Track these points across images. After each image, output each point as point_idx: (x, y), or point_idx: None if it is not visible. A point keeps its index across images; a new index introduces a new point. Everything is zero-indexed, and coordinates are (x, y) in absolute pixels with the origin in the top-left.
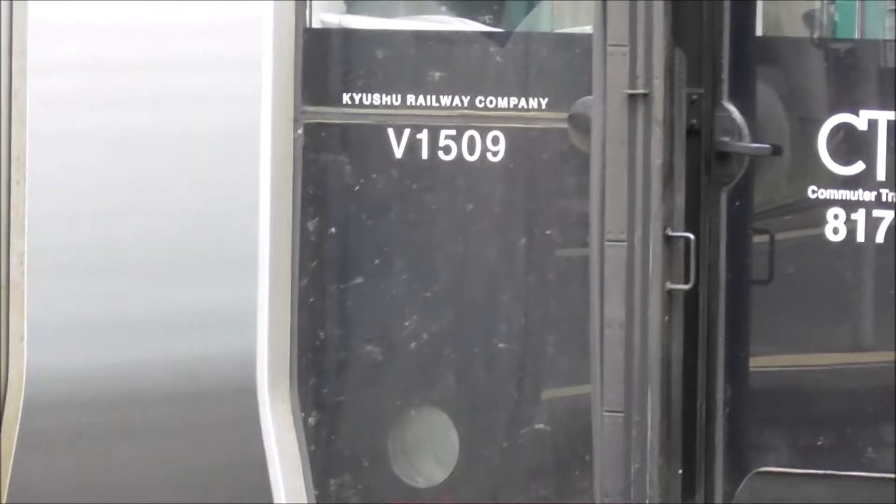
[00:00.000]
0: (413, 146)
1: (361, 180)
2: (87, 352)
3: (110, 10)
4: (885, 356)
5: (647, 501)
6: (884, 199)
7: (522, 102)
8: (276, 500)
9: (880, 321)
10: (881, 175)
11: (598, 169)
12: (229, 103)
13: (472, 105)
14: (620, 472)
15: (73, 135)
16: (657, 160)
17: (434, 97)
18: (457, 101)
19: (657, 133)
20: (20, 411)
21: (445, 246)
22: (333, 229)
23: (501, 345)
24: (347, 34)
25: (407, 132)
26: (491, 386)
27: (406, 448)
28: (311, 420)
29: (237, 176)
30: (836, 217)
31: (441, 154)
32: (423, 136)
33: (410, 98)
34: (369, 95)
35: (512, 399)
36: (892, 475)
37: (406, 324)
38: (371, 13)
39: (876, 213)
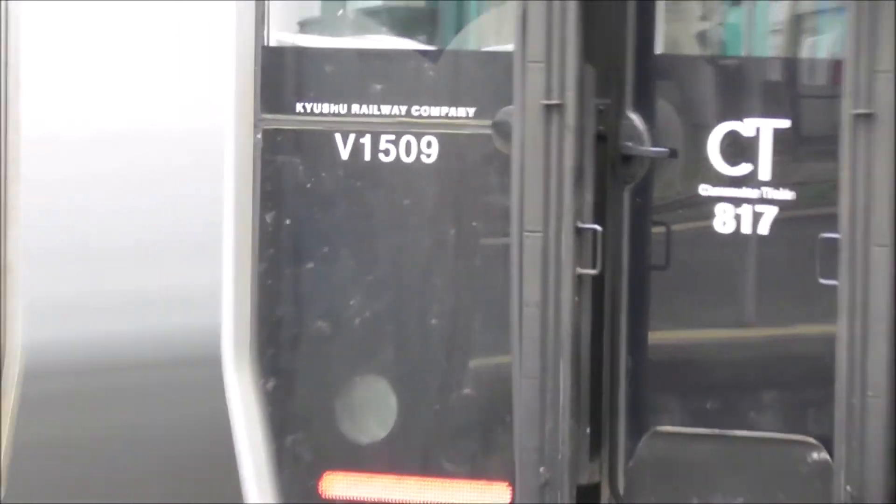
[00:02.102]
0: (357, 149)
1: (312, 179)
2: (76, 326)
3: (108, 21)
4: (766, 332)
5: (559, 455)
6: (767, 196)
7: (452, 111)
8: (238, 454)
9: (762, 302)
10: (764, 175)
11: (517, 169)
12: (201, 110)
13: (408, 113)
14: (536, 430)
15: (62, 139)
16: (569, 162)
17: (375, 106)
18: (395, 110)
19: (569, 139)
20: (19, 378)
21: (385, 236)
22: (288, 221)
23: (434, 321)
24: (300, 52)
25: (352, 137)
26: (425, 357)
27: (351, 410)
28: (268, 386)
29: (208, 174)
30: (724, 212)
31: (381, 156)
32: (366, 140)
33: (355, 107)
34: (319, 105)
35: (443, 368)
36: (771, 434)
37: (351, 303)
38: (321, 33)
39: (759, 208)
